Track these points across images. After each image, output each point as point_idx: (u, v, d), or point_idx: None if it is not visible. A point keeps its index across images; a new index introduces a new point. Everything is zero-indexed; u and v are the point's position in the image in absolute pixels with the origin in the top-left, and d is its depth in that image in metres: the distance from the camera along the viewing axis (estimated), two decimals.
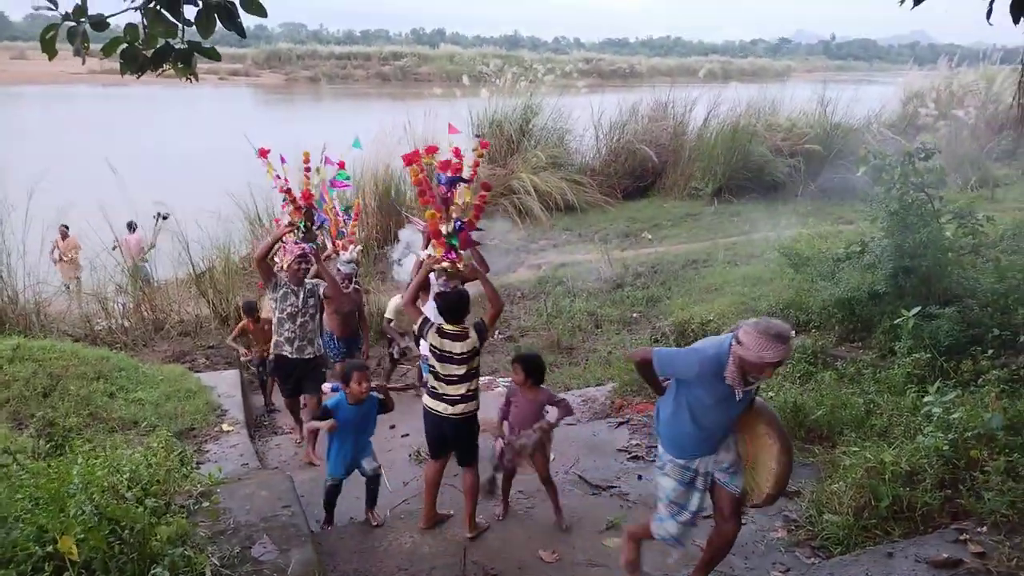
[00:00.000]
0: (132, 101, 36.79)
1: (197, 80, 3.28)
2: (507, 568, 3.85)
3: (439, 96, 18.48)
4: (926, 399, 4.69)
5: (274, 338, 5.71)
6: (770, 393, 5.84)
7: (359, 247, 7.02)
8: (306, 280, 5.73)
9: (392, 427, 6.11)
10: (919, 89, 19.47)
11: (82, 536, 2.32)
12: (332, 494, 4.39)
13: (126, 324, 9.59)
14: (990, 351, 5.36)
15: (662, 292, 10.05)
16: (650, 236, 13.12)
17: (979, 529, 3.71)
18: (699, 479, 3.42)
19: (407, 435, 5.96)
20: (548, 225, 13.79)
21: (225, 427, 6.09)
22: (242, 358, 7.38)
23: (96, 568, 2.41)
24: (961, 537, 3.68)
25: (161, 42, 3.05)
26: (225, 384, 7.10)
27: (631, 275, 10.92)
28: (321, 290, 5.74)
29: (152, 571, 2.38)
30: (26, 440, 4.39)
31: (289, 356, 5.68)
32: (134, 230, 11.30)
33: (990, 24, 2.86)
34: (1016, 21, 3.21)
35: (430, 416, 4.15)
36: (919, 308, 5.81)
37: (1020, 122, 11.60)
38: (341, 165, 6.77)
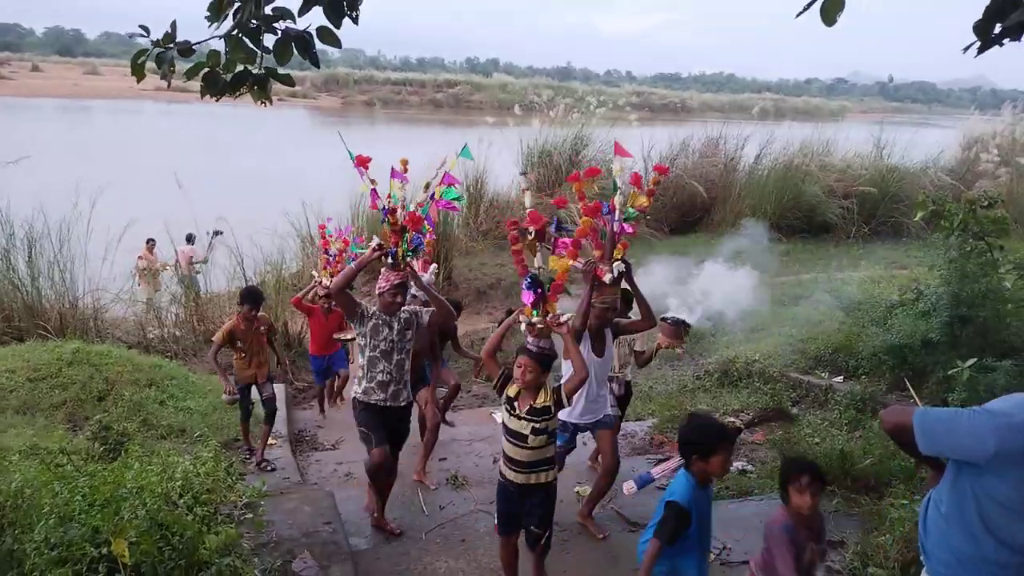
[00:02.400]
0: (194, 118, 38.13)
1: (271, 104, 3.42)
2: None
3: (490, 124, 18.75)
4: None
5: (361, 383, 4.58)
6: (816, 439, 5.73)
7: (435, 267, 6.24)
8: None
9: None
10: (980, 134, 19.05)
11: (134, 540, 2.40)
12: None
13: (177, 334, 9.87)
14: (1008, 360, 5.19)
15: (707, 329, 9.94)
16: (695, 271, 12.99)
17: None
18: None
19: (444, 459, 5.99)
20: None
21: (269, 440, 6.20)
22: (224, 395, 5.83)
23: (146, 572, 2.48)
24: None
25: (240, 67, 3.21)
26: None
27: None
28: (425, 318, 4.73)
29: None
30: (81, 442, 4.54)
31: (382, 405, 4.53)
32: (192, 242, 11.67)
33: None
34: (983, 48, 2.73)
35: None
36: (975, 360, 5.64)
37: None
38: (451, 181, 5.51)
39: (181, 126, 36.69)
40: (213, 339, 6.01)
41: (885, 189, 14.85)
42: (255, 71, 3.28)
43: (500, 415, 3.67)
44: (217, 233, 11.35)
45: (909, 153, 16.44)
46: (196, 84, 3.22)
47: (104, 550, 2.34)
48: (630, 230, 4.29)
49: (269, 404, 5.94)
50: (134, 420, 5.40)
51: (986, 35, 2.32)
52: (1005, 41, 2.31)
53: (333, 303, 6.91)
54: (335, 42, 2.98)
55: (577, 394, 3.96)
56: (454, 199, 5.17)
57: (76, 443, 4.52)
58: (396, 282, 4.54)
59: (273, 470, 5.63)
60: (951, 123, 30.13)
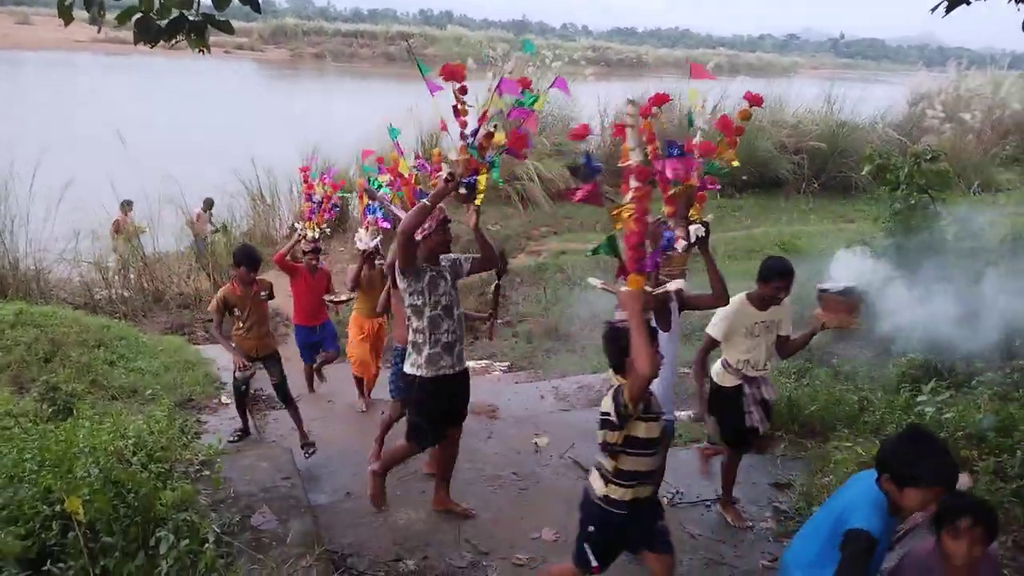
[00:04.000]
0: (135, 71, 36.57)
1: (209, 52, 3.30)
2: (498, 546, 3.91)
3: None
4: (919, 398, 4.76)
5: (423, 350, 3.81)
6: None
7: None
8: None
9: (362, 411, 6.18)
10: (927, 91, 19.43)
11: (88, 498, 2.37)
12: None
13: (126, 294, 9.64)
14: (985, 354, 5.42)
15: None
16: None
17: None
18: None
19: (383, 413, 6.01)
20: (550, 212, 13.80)
21: (224, 399, 6.16)
22: (237, 372, 5.14)
23: (100, 529, 2.46)
24: None
25: (175, 13, 3.08)
26: (225, 357, 7.14)
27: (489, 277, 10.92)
28: (466, 266, 4.02)
29: (156, 533, 2.43)
30: (28, 404, 4.43)
31: (449, 374, 3.85)
32: (130, 208, 11.25)
33: None
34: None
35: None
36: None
37: None
38: (519, 86, 3.98)
39: (121, 80, 35.17)
40: (209, 309, 5.26)
41: (835, 144, 15.10)
42: (191, 17, 3.16)
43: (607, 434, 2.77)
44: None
45: (859, 109, 16.71)
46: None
47: (57, 508, 2.31)
48: (714, 186, 3.55)
49: (280, 391, 5.26)
50: (83, 381, 5.28)
51: None
52: (972, 0, 2.35)
53: (319, 261, 6.24)
54: None
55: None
56: (532, 103, 3.87)
57: (23, 405, 4.40)
58: (443, 217, 3.85)
59: (314, 452, 5.08)
60: (899, 79, 30.66)
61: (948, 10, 2.46)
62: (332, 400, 6.60)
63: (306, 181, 6.57)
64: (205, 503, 3.13)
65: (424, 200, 3.66)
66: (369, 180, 5.64)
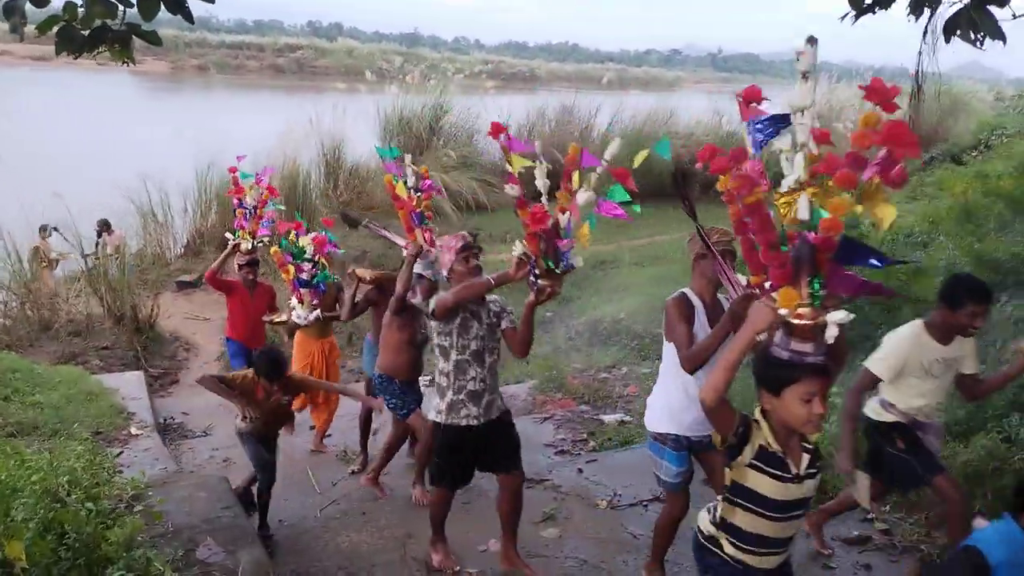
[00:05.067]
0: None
1: (134, 64, 3.14)
2: None
3: (342, 91, 18.16)
4: (833, 389, 5.07)
5: (446, 395, 3.45)
6: None
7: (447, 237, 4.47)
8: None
9: (313, 427, 6.00)
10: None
11: (28, 542, 2.18)
12: None
13: (7, 323, 8.93)
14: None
15: (573, 292, 10.29)
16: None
17: (883, 508, 4.07)
18: None
19: (330, 435, 5.86)
20: (459, 225, 13.81)
21: (133, 430, 5.81)
22: (239, 422, 4.16)
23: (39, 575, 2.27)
24: (868, 517, 4.03)
25: (98, 23, 2.92)
26: (128, 386, 6.79)
27: None
28: (504, 325, 3.53)
29: (106, 574, 2.26)
30: None
31: (474, 424, 3.46)
32: (47, 232, 10.51)
33: (981, 49, 2.85)
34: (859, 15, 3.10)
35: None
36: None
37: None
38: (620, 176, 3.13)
39: None
40: (205, 375, 4.24)
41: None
42: (116, 27, 3.01)
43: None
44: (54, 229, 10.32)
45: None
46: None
47: None
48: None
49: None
50: None
51: (860, 5, 2.56)
52: (877, 10, 2.57)
53: (256, 276, 5.71)
54: None
55: (680, 388, 3.14)
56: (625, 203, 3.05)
57: None
58: (461, 245, 3.47)
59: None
60: (774, 92, 32.61)
61: (856, 19, 2.68)
62: None
63: (236, 184, 5.75)
64: (142, 539, 2.95)
65: (489, 278, 3.32)
66: (280, 243, 5.26)
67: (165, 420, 6.58)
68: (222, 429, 6.43)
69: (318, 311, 5.25)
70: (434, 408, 3.54)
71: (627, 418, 5.98)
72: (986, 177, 9.44)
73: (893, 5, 2.96)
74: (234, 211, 5.79)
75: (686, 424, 3.18)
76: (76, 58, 2.83)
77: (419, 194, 4.48)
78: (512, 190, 3.19)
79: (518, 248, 3.12)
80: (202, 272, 12.04)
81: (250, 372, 4.05)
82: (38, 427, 5.14)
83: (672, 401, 3.22)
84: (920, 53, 6.17)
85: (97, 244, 10.69)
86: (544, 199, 3.11)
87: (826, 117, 18.71)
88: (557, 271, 3.12)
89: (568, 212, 3.05)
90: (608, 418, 5.98)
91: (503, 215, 14.74)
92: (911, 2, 2.84)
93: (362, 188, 14.28)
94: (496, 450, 3.56)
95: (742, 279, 2.60)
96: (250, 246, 5.63)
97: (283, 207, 7.02)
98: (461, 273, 3.46)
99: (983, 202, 8.39)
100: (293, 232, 5.30)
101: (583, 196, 2.98)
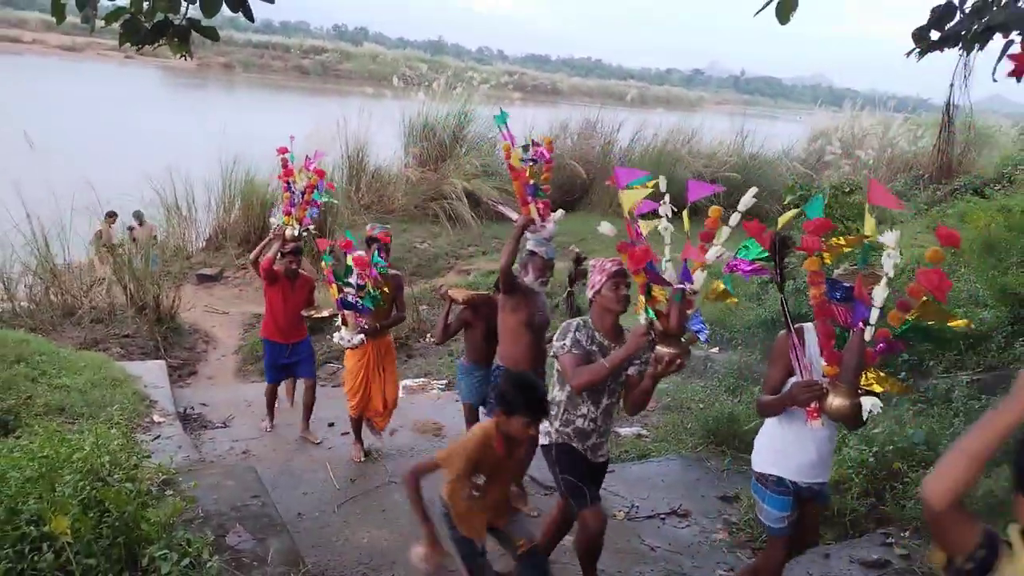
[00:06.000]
0: (30, 72, 34.43)
1: (191, 58, 3.23)
2: None
3: (368, 95, 18.32)
4: None
5: (554, 425, 3.27)
6: (701, 405, 6.15)
7: (562, 213, 4.37)
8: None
9: (331, 424, 6.05)
10: (824, 128, 20.81)
11: (74, 518, 2.24)
12: None
13: (31, 307, 9.04)
14: (902, 373, 5.84)
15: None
16: (577, 249, 13.43)
17: (902, 534, 4.08)
18: None
19: (347, 433, 5.90)
20: (478, 232, 13.89)
21: (156, 418, 5.88)
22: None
23: (81, 551, 2.32)
24: (887, 541, 4.03)
25: (161, 16, 3.01)
26: (150, 374, 6.86)
27: (560, 287, 11.15)
28: (633, 377, 3.23)
29: (145, 551, 2.31)
30: None
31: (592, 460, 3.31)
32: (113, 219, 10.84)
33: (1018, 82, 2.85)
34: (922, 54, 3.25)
35: None
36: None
37: (936, 164, 12.68)
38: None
39: (17, 81, 32.99)
40: (444, 466, 2.91)
41: (747, 175, 15.92)
42: (177, 21, 3.09)
43: None
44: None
45: (766, 143, 17.72)
46: (30, 33, 2.98)
47: (44, 529, 2.16)
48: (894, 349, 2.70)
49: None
50: (8, 398, 4.92)
51: (925, 41, 2.59)
52: (945, 49, 2.60)
53: (299, 265, 5.45)
54: None
55: (790, 429, 2.93)
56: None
57: None
58: (615, 270, 3.18)
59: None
60: (793, 116, 32.66)
61: (920, 55, 2.71)
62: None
63: (285, 166, 5.43)
64: (173, 522, 3.00)
65: (604, 363, 3.01)
66: (324, 258, 4.96)
67: (185, 410, 6.65)
68: (241, 421, 6.50)
69: (363, 335, 4.85)
70: (543, 431, 3.27)
71: (644, 432, 6.00)
72: (1009, 211, 9.38)
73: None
74: (284, 195, 5.51)
75: (792, 468, 2.99)
76: (139, 50, 2.91)
77: (533, 164, 4.19)
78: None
79: (643, 317, 2.84)
80: (224, 267, 12.21)
81: (488, 427, 2.94)
82: (64, 409, 5.21)
83: (777, 442, 3.04)
84: (952, 86, 6.17)
85: (128, 233, 10.92)
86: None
87: (848, 143, 18.71)
88: (682, 338, 2.78)
89: (702, 269, 2.81)
90: (625, 431, 5.99)
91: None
92: (969, 38, 2.85)
93: (383, 191, 14.39)
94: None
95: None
96: (296, 233, 5.37)
97: (336, 200, 6.78)
98: (608, 300, 3.15)
99: (1006, 236, 8.34)
100: (338, 248, 4.98)
101: (713, 252, 2.81)
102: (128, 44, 2.87)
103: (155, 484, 3.28)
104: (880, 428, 4.76)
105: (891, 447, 4.53)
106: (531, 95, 45.11)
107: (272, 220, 5.67)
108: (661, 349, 2.78)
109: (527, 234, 4.09)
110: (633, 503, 4.66)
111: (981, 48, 3.08)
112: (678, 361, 2.77)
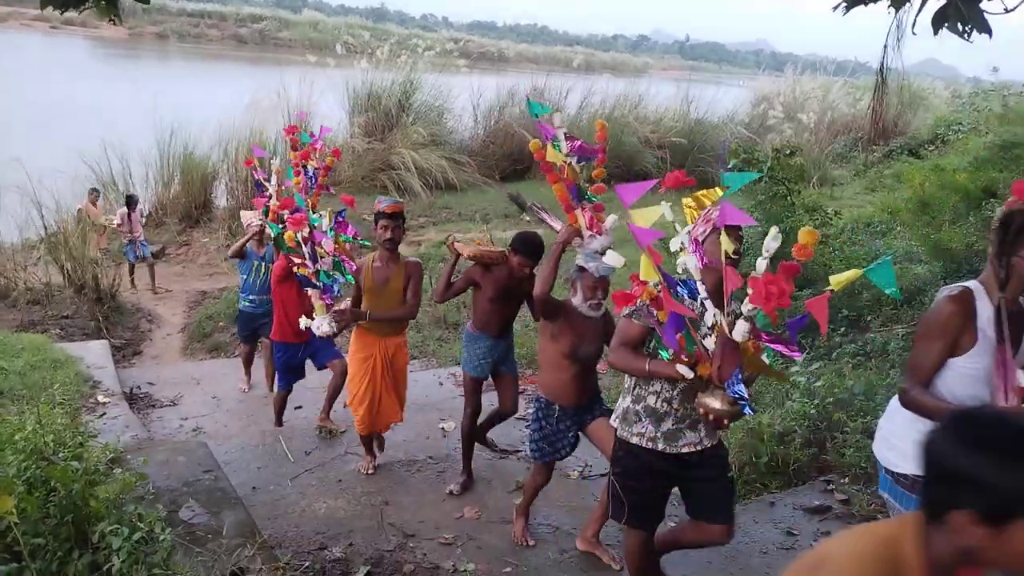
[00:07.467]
0: None
1: (120, 22, 3.10)
2: (423, 528, 3.95)
3: (311, 64, 17.85)
4: (793, 369, 5.25)
5: (624, 400, 2.85)
6: None
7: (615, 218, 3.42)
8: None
9: (298, 408, 5.97)
10: (767, 93, 21.13)
11: (20, 497, 2.19)
12: None
13: None
14: (841, 329, 6.06)
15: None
16: (528, 218, 13.45)
17: (843, 480, 4.26)
18: None
19: (300, 407, 5.87)
20: (427, 203, 13.79)
21: (100, 398, 5.75)
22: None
23: (27, 531, 2.28)
24: (828, 487, 4.21)
25: None
26: (93, 355, 6.70)
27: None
28: None
29: (95, 529, 2.27)
30: None
31: (649, 448, 2.76)
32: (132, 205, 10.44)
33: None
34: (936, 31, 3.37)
35: None
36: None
37: (873, 126, 13.02)
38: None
39: None
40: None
41: (693, 140, 16.13)
42: None
43: None
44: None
45: (711, 108, 17.92)
46: None
47: None
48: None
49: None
50: None
51: None
52: (869, 3, 2.65)
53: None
54: None
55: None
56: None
57: None
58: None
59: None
60: (737, 81, 33.07)
61: (846, 10, 2.76)
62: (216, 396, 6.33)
63: (295, 147, 4.72)
64: (123, 499, 2.96)
65: (655, 368, 2.55)
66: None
67: (132, 390, 6.51)
68: (190, 399, 6.41)
69: (334, 324, 4.09)
70: (615, 412, 2.93)
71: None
72: (942, 170, 9.73)
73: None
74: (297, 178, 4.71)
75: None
76: (62, 13, 2.78)
77: (575, 161, 3.38)
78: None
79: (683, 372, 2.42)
80: (165, 243, 11.89)
81: None
82: (2, 393, 5.06)
83: (916, 435, 2.36)
84: (885, 48, 6.32)
85: (76, 213, 10.58)
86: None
87: (790, 107, 19.06)
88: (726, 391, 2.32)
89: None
90: None
91: (472, 194, 14.76)
92: None
93: (330, 162, 14.13)
94: (693, 495, 2.90)
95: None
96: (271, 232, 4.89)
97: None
98: (709, 254, 2.57)
99: (939, 194, 8.65)
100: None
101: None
102: (51, 9, 2.74)
103: (103, 463, 3.21)
104: (822, 382, 4.94)
105: (831, 399, 4.70)
106: (477, 62, 44.56)
107: (245, 214, 5.47)
108: (706, 401, 2.35)
109: (575, 247, 3.37)
110: (587, 463, 4.75)
111: (921, 6, 3.15)
112: (725, 422, 2.41)
